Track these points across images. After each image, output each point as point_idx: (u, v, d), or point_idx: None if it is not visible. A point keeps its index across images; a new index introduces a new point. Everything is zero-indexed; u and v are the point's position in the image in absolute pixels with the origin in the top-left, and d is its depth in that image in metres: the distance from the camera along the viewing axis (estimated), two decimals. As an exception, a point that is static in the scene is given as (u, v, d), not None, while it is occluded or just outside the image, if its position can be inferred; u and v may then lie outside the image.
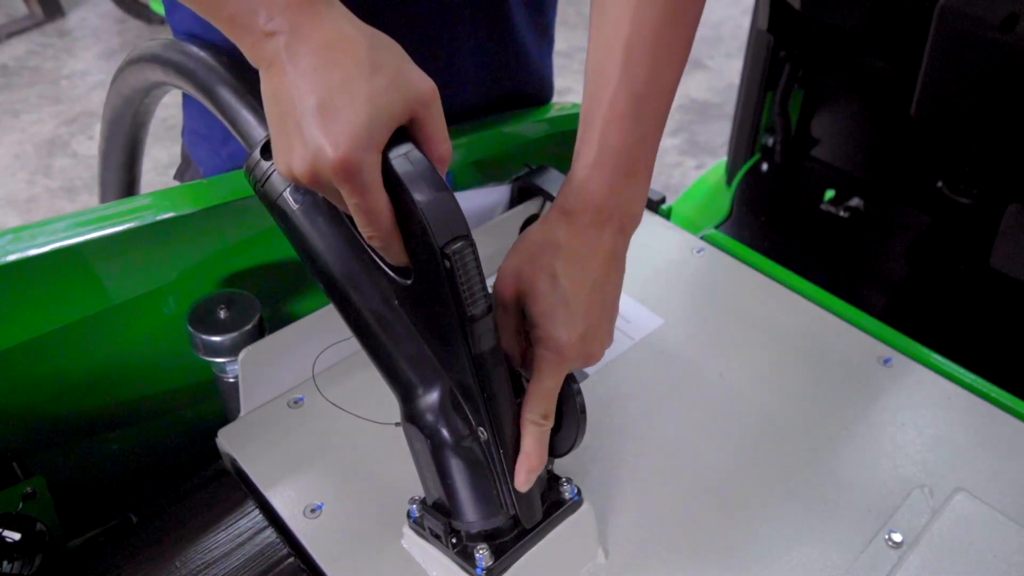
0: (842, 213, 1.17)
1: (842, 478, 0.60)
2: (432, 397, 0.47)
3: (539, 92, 0.86)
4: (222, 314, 0.65)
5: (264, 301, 0.66)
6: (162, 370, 0.70)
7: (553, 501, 0.52)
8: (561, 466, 0.54)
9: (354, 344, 0.67)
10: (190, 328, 0.64)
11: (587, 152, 0.50)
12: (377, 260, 0.47)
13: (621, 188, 0.50)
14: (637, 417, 0.64)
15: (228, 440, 0.62)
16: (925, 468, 0.60)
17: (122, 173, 0.88)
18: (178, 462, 0.72)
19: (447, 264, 0.42)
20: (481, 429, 0.47)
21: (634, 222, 0.52)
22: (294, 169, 0.43)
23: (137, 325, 0.66)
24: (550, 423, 0.48)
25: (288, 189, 0.49)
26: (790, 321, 0.73)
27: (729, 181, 1.28)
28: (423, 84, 0.43)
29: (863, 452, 0.62)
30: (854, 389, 0.67)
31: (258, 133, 0.52)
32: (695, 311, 0.75)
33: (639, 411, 0.65)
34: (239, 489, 0.59)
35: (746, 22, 3.48)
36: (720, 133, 2.68)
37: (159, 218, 0.60)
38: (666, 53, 0.50)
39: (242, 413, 0.64)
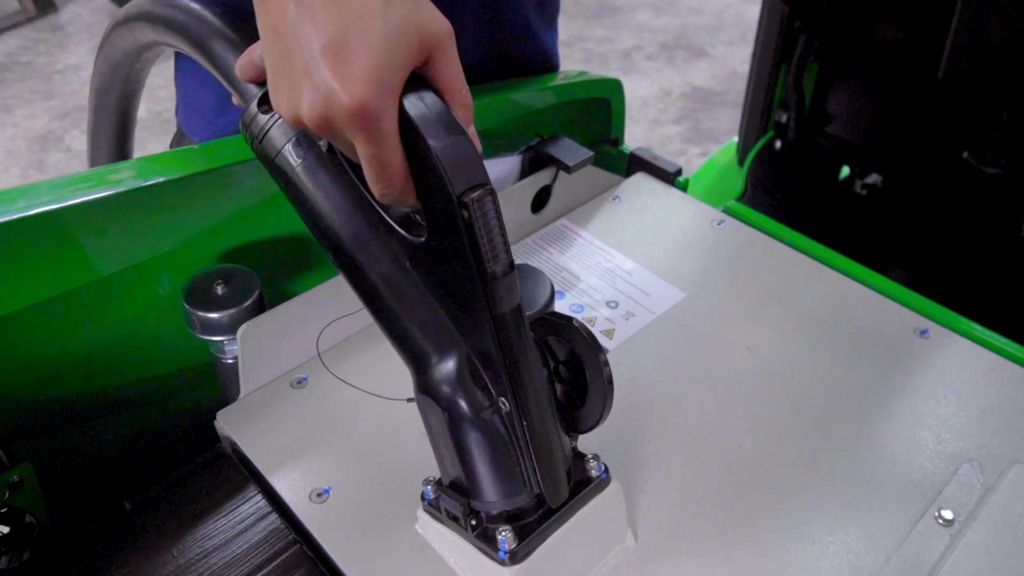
0: (860, 190, 1.14)
1: (883, 455, 0.56)
2: (448, 366, 0.43)
3: (544, 66, 0.83)
4: (219, 290, 0.61)
5: (264, 279, 0.62)
6: (156, 352, 0.66)
7: (579, 479, 0.48)
8: (583, 444, 0.50)
9: (360, 319, 0.63)
10: (185, 305, 0.60)
11: None
12: (387, 218, 0.43)
13: None
14: (663, 393, 0.60)
15: (227, 422, 0.58)
16: (972, 442, 0.56)
17: (112, 149, 0.83)
18: (176, 451, 0.68)
19: (465, 214, 0.38)
20: (503, 400, 0.43)
21: None
22: (302, 113, 0.39)
23: (127, 301, 0.62)
24: None
25: (289, 143, 0.45)
26: (819, 293, 0.69)
27: (741, 161, 1.25)
28: (439, 23, 0.39)
29: (904, 427, 0.58)
30: (891, 362, 0.63)
31: (256, 86, 0.48)
32: (718, 284, 0.71)
33: (664, 387, 0.61)
34: (240, 473, 0.55)
35: (748, 9, 3.44)
36: (724, 120, 2.64)
37: (147, 183, 0.56)
38: None
39: (242, 394, 0.60)
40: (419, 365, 0.44)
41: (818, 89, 1.19)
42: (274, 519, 0.51)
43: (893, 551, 0.50)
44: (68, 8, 3.29)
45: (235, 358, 0.62)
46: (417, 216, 0.44)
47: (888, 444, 0.57)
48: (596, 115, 0.85)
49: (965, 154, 1.03)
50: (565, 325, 0.46)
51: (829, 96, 1.18)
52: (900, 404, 0.60)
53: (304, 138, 0.44)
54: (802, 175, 1.17)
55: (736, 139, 1.36)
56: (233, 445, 0.57)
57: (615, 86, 0.84)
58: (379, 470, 0.54)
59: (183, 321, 0.61)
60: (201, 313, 0.60)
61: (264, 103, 0.46)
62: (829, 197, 1.13)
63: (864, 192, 1.13)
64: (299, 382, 0.61)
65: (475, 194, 0.38)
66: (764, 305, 0.68)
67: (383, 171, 0.39)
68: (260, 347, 0.59)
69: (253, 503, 0.52)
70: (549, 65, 0.81)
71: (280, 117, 0.45)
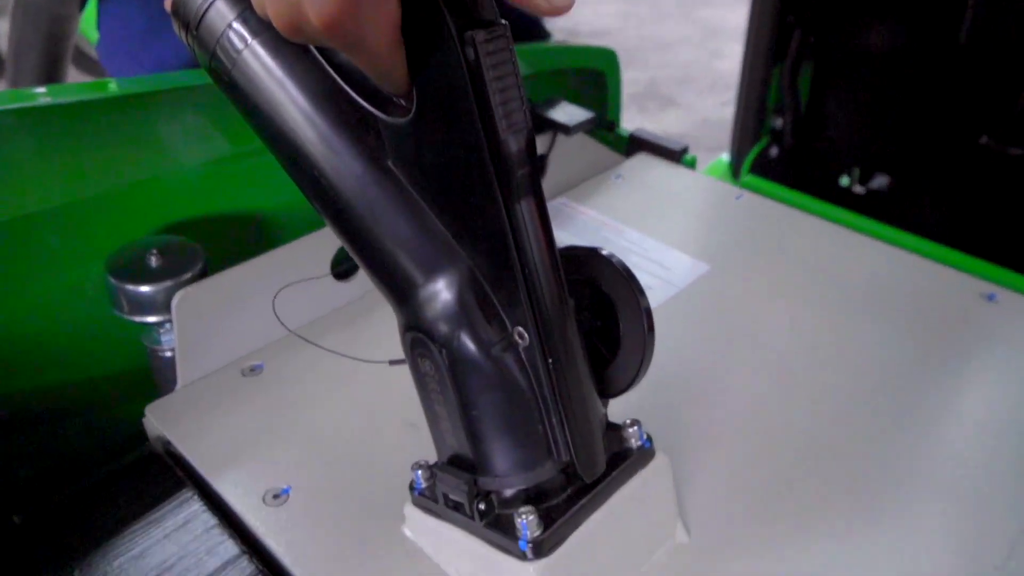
0: (864, 193, 1.06)
1: (962, 430, 0.46)
2: (444, 289, 0.33)
3: (534, 29, 0.75)
4: (154, 262, 0.50)
5: (211, 263, 0.51)
6: (77, 348, 0.54)
7: (616, 452, 0.37)
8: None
9: (331, 293, 0.53)
10: (110, 279, 0.49)
11: None
12: (361, 101, 0.33)
13: None
14: (699, 371, 0.50)
15: (159, 417, 0.46)
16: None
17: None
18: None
19: (471, 54, 0.28)
20: (519, 331, 0.32)
21: None
22: (269, 15, 0.30)
23: (34, 271, 0.50)
24: None
25: (232, 25, 0.35)
26: (862, 264, 0.60)
27: (736, 174, 1.17)
28: None
29: (982, 400, 0.48)
30: (959, 331, 0.54)
31: None
32: (745, 257, 0.61)
33: (700, 364, 0.51)
34: (172, 475, 0.43)
35: (714, 63, 3.49)
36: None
37: (48, 102, 0.45)
38: None
39: (179, 384, 0.48)
40: (404, 294, 0.33)
41: (814, 89, 1.13)
42: (214, 527, 0.39)
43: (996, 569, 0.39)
44: None
45: (174, 349, 0.50)
46: (402, 100, 0.34)
47: (967, 417, 0.47)
48: (589, 92, 0.77)
49: (984, 139, 0.96)
50: (589, 257, 0.36)
51: (827, 96, 1.12)
52: (973, 372, 0.50)
53: (252, 15, 0.35)
54: (804, 181, 1.09)
55: (723, 157, 1.29)
56: (166, 444, 0.45)
57: (610, 57, 0.76)
58: (353, 465, 0.43)
59: (109, 306, 0.50)
60: (130, 287, 0.48)
61: (203, -27, 0.36)
62: (837, 203, 1.04)
63: (866, 194, 1.06)
64: (252, 369, 0.50)
65: (482, 33, 0.28)
66: (801, 278, 0.59)
67: (377, 74, 0.30)
68: (202, 323, 0.48)
69: (187, 509, 0.40)
70: (538, 31, 0.73)
71: None
